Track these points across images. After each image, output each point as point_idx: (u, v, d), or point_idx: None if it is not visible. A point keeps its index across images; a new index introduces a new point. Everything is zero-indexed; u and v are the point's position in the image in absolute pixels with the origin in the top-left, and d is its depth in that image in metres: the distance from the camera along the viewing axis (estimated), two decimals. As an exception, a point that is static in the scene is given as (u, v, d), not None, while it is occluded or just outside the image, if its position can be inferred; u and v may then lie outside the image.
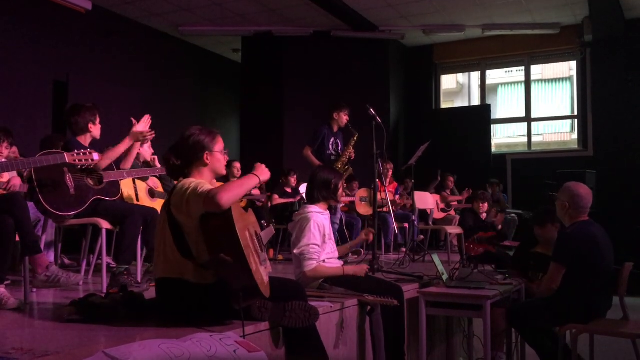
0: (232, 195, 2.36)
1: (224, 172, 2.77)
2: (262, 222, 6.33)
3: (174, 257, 2.49)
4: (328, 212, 3.73)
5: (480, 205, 6.71)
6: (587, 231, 3.65)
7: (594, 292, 3.58)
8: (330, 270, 3.50)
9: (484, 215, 6.76)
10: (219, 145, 2.69)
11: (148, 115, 3.93)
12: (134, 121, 3.89)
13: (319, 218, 3.53)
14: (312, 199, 3.65)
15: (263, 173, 2.65)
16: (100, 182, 3.79)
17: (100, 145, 4.02)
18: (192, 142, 2.62)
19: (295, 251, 3.50)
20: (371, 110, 5.01)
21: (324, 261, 3.51)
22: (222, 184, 2.69)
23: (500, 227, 6.45)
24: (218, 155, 2.67)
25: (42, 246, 3.51)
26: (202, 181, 2.52)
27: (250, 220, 2.69)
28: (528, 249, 4.84)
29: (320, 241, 3.48)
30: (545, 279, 3.80)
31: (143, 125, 3.89)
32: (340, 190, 3.68)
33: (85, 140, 3.90)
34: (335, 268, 3.54)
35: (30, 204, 3.86)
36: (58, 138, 5.44)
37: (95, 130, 3.94)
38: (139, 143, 4.11)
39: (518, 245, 5.64)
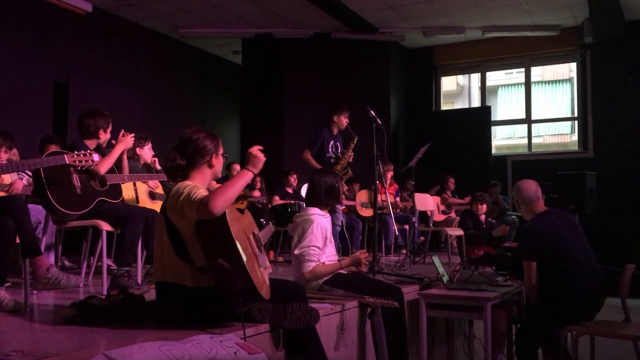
0: (223, 199, 2.33)
1: (220, 175, 2.78)
2: (261, 220, 6.33)
3: (171, 260, 2.48)
4: (329, 215, 3.73)
5: (479, 206, 6.70)
6: (545, 221, 3.70)
7: (574, 280, 3.55)
8: (327, 268, 3.50)
9: (482, 217, 6.75)
10: (221, 149, 2.73)
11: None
12: (122, 132, 4.09)
13: (321, 220, 3.53)
14: (313, 202, 3.65)
15: (256, 164, 2.57)
16: (103, 184, 3.80)
17: (100, 150, 4.04)
18: (201, 144, 2.62)
19: (295, 251, 3.50)
20: (371, 111, 5.01)
21: (323, 263, 3.51)
22: (219, 185, 2.69)
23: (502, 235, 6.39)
24: (221, 159, 2.71)
25: (43, 248, 3.50)
26: (196, 185, 2.49)
27: (246, 222, 2.68)
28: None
29: (321, 244, 3.48)
30: (525, 278, 3.79)
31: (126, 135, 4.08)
32: (341, 190, 3.73)
33: (92, 144, 3.92)
34: (332, 264, 3.53)
35: (31, 206, 3.87)
36: (51, 139, 5.45)
37: (104, 137, 3.99)
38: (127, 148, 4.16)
39: (515, 248, 5.64)
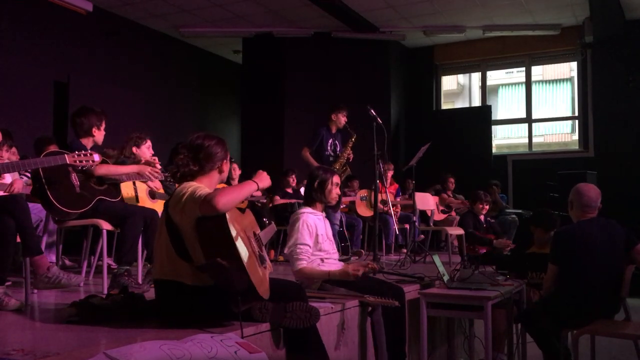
0: (228, 199, 2.36)
1: (225, 179, 2.86)
2: (264, 219, 6.33)
3: (170, 259, 2.49)
4: (323, 212, 3.69)
5: (481, 206, 6.69)
6: (580, 230, 3.66)
7: (589, 292, 3.54)
8: (315, 273, 3.46)
9: (482, 217, 6.74)
10: (228, 153, 2.78)
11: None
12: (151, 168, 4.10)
13: (309, 218, 3.51)
14: (306, 200, 3.67)
15: (262, 180, 2.69)
16: (102, 183, 3.80)
17: (98, 149, 4.03)
18: (213, 151, 2.67)
19: (285, 251, 3.53)
20: (372, 111, 5.01)
21: (322, 260, 3.52)
22: (224, 185, 2.71)
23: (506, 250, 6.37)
24: (228, 164, 2.78)
25: (43, 247, 3.51)
26: (200, 185, 2.54)
27: (247, 221, 2.69)
28: (523, 250, 4.86)
29: (309, 241, 3.46)
30: (544, 279, 3.81)
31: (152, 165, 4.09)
32: (329, 186, 3.58)
33: (88, 143, 3.90)
34: (320, 271, 3.47)
35: (32, 206, 3.87)
36: (50, 140, 5.45)
37: (99, 135, 3.95)
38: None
39: (514, 248, 5.64)
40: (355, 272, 3.35)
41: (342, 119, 5.92)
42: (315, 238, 3.50)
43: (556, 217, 4.82)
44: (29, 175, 4.70)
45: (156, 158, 4.80)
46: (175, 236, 2.48)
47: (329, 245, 3.62)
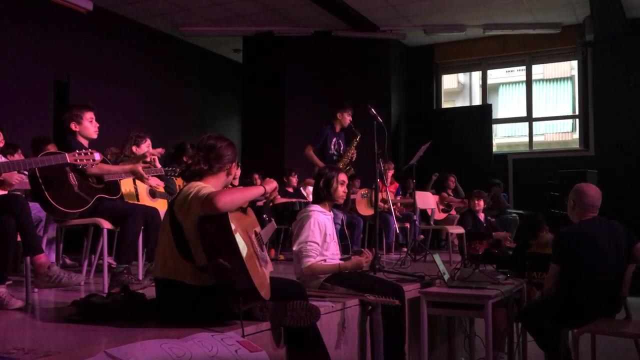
0: (230, 199, 2.38)
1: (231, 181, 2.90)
2: (264, 216, 6.32)
3: (172, 257, 2.50)
4: (331, 212, 3.70)
5: (476, 202, 6.68)
6: (583, 230, 3.65)
7: (591, 292, 3.54)
8: (326, 267, 3.47)
9: (481, 215, 6.74)
10: (237, 157, 2.82)
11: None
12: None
13: (320, 217, 3.51)
14: (314, 198, 3.66)
15: (269, 183, 2.76)
16: (100, 181, 3.79)
17: (93, 145, 4.00)
18: (224, 152, 2.70)
19: (294, 248, 3.50)
20: (372, 110, 5.00)
21: (325, 260, 3.51)
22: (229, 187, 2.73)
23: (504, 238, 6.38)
24: (235, 166, 2.82)
25: (44, 246, 3.50)
26: (207, 185, 2.55)
27: (249, 220, 2.69)
28: (524, 250, 4.85)
29: (319, 239, 3.46)
30: (545, 278, 3.81)
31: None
32: (335, 185, 3.56)
33: (78, 138, 3.83)
34: (331, 265, 3.49)
35: (32, 204, 3.87)
36: (47, 140, 5.45)
37: (82, 129, 3.83)
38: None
39: (515, 247, 5.64)
40: (367, 260, 3.49)
41: (347, 118, 5.92)
42: (324, 237, 3.50)
43: (540, 218, 4.83)
44: (27, 174, 4.69)
45: (156, 157, 4.79)
46: (179, 235, 2.48)
47: (334, 247, 3.62)
